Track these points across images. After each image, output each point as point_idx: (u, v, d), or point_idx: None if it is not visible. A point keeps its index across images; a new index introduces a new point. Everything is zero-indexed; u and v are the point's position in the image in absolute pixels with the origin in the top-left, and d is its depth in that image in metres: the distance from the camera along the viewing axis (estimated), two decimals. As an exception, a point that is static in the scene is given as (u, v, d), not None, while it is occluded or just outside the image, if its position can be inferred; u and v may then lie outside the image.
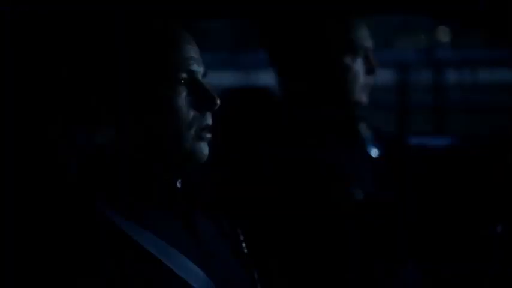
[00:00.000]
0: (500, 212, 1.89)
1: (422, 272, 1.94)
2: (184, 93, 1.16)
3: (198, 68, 1.19)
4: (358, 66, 1.84)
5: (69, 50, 1.21)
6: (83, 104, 1.17)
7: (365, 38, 1.86)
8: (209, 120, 1.19)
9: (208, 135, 1.19)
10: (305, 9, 1.82)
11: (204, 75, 1.21)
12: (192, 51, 1.19)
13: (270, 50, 1.92)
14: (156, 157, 1.16)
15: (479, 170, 2.01)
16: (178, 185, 1.19)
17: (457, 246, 1.96)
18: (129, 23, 1.17)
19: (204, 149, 1.18)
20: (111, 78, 1.15)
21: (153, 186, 1.16)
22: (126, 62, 1.15)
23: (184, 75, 1.16)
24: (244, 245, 1.31)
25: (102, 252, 1.04)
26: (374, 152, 1.98)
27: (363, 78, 1.86)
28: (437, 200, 2.07)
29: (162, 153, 1.16)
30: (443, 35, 11.85)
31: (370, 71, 1.87)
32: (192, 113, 1.16)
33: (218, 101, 1.18)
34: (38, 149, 1.24)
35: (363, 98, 1.87)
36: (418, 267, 1.93)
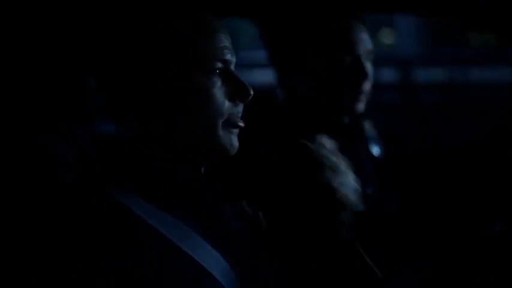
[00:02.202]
0: (499, 211, 1.89)
1: (422, 272, 1.94)
2: (218, 83, 1.14)
3: (232, 58, 1.17)
4: (346, 72, 1.79)
5: (95, 40, 1.19)
6: (84, 103, 1.16)
7: (360, 42, 1.82)
8: (241, 111, 1.17)
9: (237, 128, 1.17)
10: (302, 9, 1.82)
11: (236, 65, 1.18)
12: (226, 40, 1.16)
13: (272, 51, 1.92)
14: (173, 151, 1.14)
15: (478, 169, 2.02)
16: (202, 171, 1.17)
17: (457, 245, 1.96)
18: (162, 15, 1.14)
19: (234, 141, 1.17)
20: (142, 70, 1.12)
21: (164, 181, 1.13)
22: (159, 53, 1.12)
23: (219, 64, 1.14)
24: (263, 227, 1.27)
25: (114, 236, 1.03)
26: (376, 151, 1.98)
27: (351, 85, 1.81)
28: (437, 199, 2.07)
29: (193, 144, 1.14)
30: (387, 36, 11.89)
31: (360, 77, 1.80)
32: (226, 103, 1.14)
33: (252, 92, 1.16)
34: (38, 147, 1.24)
35: (357, 105, 1.83)
36: (418, 267, 1.93)
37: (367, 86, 1.82)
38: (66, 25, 1.38)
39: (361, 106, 1.83)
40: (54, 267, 1.03)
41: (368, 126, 1.99)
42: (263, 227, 1.27)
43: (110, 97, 1.15)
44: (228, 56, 1.16)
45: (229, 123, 1.15)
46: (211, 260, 1.10)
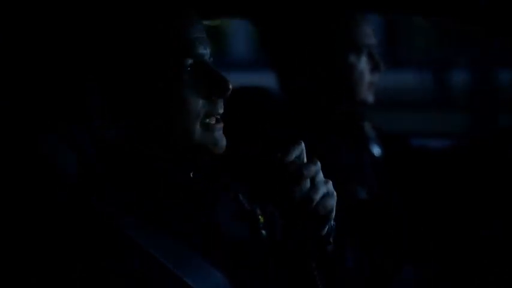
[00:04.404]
0: (498, 210, 1.89)
1: (421, 272, 1.94)
2: (191, 81, 1.04)
3: (205, 50, 1.06)
4: (363, 64, 1.83)
5: (67, 45, 1.18)
6: (83, 102, 1.15)
7: (368, 35, 1.84)
8: (220, 109, 1.08)
9: (220, 125, 1.08)
10: (307, 8, 1.82)
11: (211, 56, 1.08)
12: (197, 30, 1.06)
13: (272, 51, 1.92)
14: (165, 151, 1.10)
15: (477, 170, 2.01)
16: (191, 175, 1.13)
17: (457, 245, 1.96)
18: (122, 9, 1.08)
19: (219, 139, 1.08)
20: (112, 72, 1.08)
21: (163, 181, 1.10)
22: (123, 52, 1.06)
23: (189, 60, 1.04)
24: (262, 225, 1.23)
25: (98, 251, 1.02)
26: (377, 151, 1.98)
27: (368, 76, 1.84)
28: (437, 199, 2.07)
29: (171, 147, 1.09)
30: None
31: (375, 68, 1.85)
32: (200, 102, 1.05)
33: (230, 86, 1.05)
34: (38, 147, 1.24)
35: (368, 96, 1.85)
36: (418, 267, 1.92)
37: (376, 77, 1.85)
38: (65, 25, 1.38)
39: (372, 97, 1.85)
40: (54, 267, 1.02)
41: (368, 126, 1.99)
42: (261, 224, 1.26)
43: (109, 97, 1.14)
44: (201, 49, 1.06)
45: (207, 123, 1.07)
46: (201, 277, 1.07)
